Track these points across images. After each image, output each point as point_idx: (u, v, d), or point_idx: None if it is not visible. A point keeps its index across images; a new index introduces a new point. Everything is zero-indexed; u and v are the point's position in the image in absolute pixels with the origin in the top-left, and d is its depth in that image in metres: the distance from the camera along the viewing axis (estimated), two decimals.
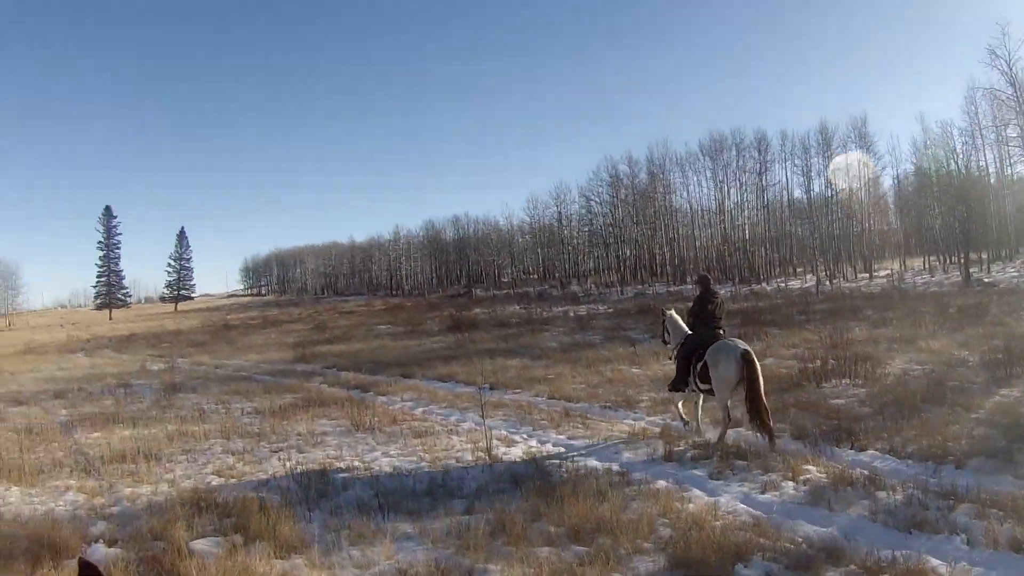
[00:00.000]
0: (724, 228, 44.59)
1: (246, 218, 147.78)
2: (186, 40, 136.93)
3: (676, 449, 6.00)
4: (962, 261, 28.49)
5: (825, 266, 38.20)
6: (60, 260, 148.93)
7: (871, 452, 5.44)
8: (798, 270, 41.93)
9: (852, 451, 5.52)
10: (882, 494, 4.41)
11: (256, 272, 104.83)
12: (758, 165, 43.44)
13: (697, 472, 5.34)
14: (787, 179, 43.14)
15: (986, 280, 24.10)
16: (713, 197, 45.34)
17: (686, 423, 6.74)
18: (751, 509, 4.40)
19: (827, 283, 32.00)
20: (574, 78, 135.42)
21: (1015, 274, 25.41)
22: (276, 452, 7.04)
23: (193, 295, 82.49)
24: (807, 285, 31.73)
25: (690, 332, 6.82)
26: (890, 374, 8.46)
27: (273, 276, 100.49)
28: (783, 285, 33.83)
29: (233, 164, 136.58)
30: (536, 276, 58.94)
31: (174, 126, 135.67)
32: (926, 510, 4.08)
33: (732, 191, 44.80)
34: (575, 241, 55.85)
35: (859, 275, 35.31)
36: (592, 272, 53.99)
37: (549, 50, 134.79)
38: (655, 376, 9.67)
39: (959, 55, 79.26)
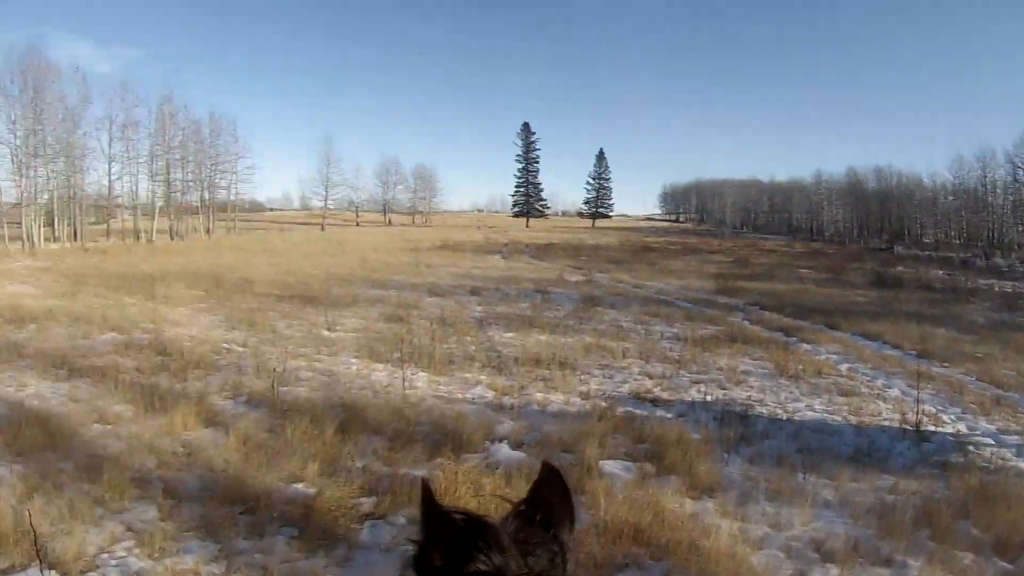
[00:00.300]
0: None
1: (666, 147, 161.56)
2: None
3: None
4: None
5: None
6: (477, 170, 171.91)
7: None
8: None
9: None
10: None
11: (675, 198, 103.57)
12: None
13: None
14: None
15: None
16: None
17: None
18: None
19: None
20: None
21: None
22: (696, 384, 6.83)
23: (610, 214, 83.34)
24: None
25: None
26: None
27: (692, 205, 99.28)
28: None
29: (650, 95, 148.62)
30: (959, 242, 51.82)
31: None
32: None
33: None
34: (1000, 210, 48.92)
35: None
36: (1016, 247, 46.05)
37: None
38: None
39: None
